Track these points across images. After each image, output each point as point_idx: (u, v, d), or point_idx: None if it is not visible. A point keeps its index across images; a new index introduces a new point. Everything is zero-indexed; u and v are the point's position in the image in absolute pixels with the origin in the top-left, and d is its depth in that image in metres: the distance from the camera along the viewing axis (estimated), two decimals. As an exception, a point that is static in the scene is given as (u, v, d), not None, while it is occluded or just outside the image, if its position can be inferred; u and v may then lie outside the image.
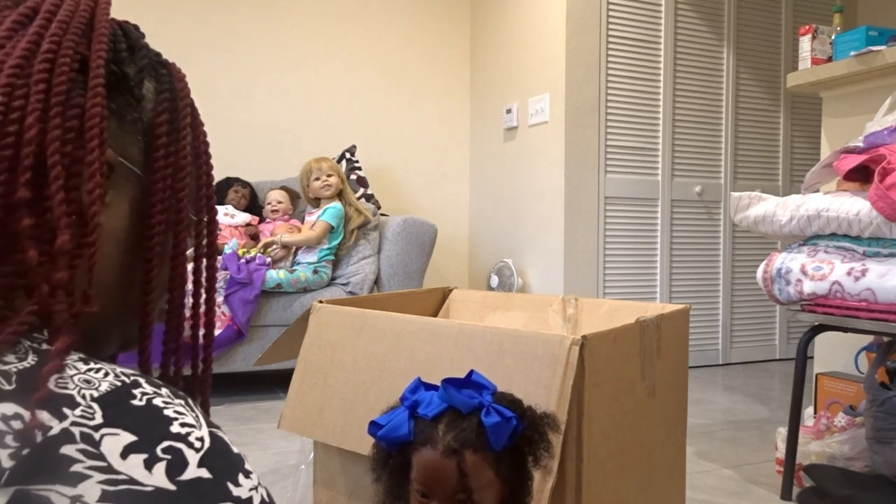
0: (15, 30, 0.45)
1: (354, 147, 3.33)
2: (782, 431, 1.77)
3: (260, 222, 3.09)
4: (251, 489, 0.37)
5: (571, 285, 3.02)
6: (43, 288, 0.39)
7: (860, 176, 1.60)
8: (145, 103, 0.51)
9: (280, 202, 3.08)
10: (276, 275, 2.62)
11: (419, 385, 0.83)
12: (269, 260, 2.72)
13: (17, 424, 0.33)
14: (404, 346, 1.03)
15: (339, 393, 1.07)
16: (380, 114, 3.66)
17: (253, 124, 3.38)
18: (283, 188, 3.16)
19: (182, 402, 0.38)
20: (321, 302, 1.19)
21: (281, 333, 1.30)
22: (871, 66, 1.94)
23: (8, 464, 0.32)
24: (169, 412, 0.37)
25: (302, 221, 2.99)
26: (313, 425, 1.08)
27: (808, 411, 2.01)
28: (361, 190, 3.18)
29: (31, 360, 0.36)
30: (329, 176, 2.87)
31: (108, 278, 0.48)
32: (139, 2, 3.13)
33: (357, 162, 3.28)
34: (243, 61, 3.40)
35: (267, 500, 0.38)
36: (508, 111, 3.44)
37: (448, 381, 0.78)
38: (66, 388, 0.35)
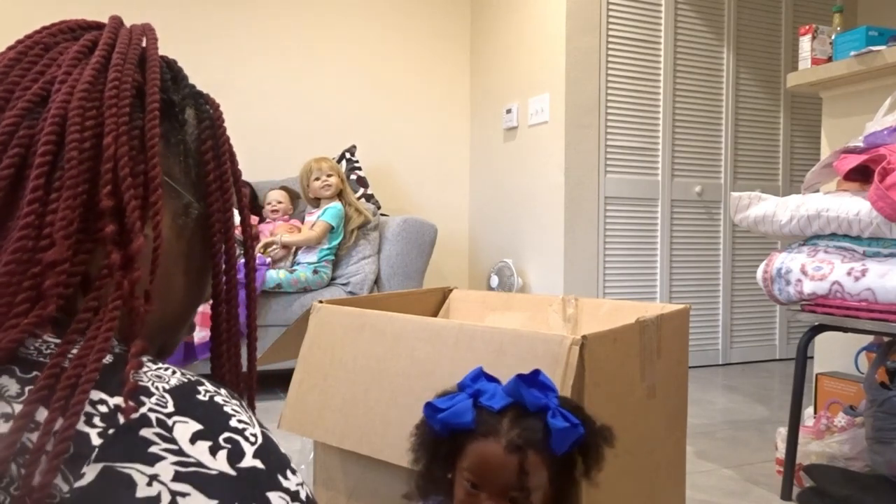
0: (79, 59, 0.51)
1: (354, 147, 3.32)
2: (782, 431, 1.77)
3: (260, 222, 3.08)
4: (297, 484, 0.41)
5: (571, 285, 3.02)
6: (124, 286, 0.44)
7: (860, 176, 1.60)
8: (187, 128, 0.56)
9: (280, 202, 3.08)
10: (276, 275, 2.62)
11: (480, 374, 0.81)
12: (268, 260, 2.71)
13: (103, 408, 0.38)
14: (404, 346, 1.03)
15: (339, 393, 1.07)
16: (380, 114, 3.66)
17: (253, 124, 3.38)
18: (283, 188, 3.16)
19: (237, 402, 0.43)
20: (321, 302, 1.19)
21: (281, 333, 1.30)
22: (871, 66, 1.94)
23: (97, 441, 0.36)
24: (228, 409, 0.41)
25: (302, 221, 2.99)
26: (313, 425, 1.08)
27: (808, 411, 2.01)
28: (361, 190, 3.18)
29: (109, 358, 0.42)
30: (329, 176, 2.87)
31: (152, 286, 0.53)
32: (139, 1, 3.13)
33: (357, 162, 3.28)
34: (243, 61, 3.40)
35: (311, 497, 0.42)
36: (508, 111, 3.44)
37: (519, 377, 0.77)
38: (141, 380, 0.40)
